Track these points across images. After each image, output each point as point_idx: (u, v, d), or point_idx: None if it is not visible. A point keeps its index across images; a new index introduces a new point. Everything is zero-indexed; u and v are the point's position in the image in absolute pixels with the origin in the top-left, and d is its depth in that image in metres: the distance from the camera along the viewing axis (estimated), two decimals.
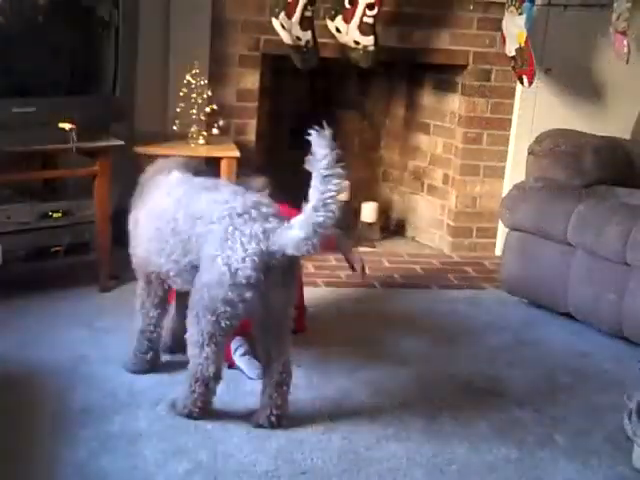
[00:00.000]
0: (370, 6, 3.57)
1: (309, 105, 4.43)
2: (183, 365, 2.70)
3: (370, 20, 3.59)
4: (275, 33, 3.62)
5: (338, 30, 3.69)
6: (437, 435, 2.42)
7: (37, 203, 3.17)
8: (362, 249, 4.06)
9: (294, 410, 2.47)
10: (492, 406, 2.62)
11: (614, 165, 3.45)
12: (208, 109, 3.51)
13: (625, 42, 3.82)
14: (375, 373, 2.75)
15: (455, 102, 4.14)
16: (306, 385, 2.64)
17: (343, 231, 2.74)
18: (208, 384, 2.33)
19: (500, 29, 3.89)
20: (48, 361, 2.67)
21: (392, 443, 2.35)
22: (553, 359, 2.99)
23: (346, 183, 2.34)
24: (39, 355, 2.70)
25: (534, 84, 3.82)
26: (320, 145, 2.13)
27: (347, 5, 3.62)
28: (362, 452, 2.30)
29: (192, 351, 2.33)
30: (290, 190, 2.46)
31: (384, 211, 4.41)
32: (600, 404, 2.68)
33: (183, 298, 2.52)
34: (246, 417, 2.42)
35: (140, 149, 3.39)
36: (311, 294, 3.18)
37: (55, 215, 3.18)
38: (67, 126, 3.00)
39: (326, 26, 3.71)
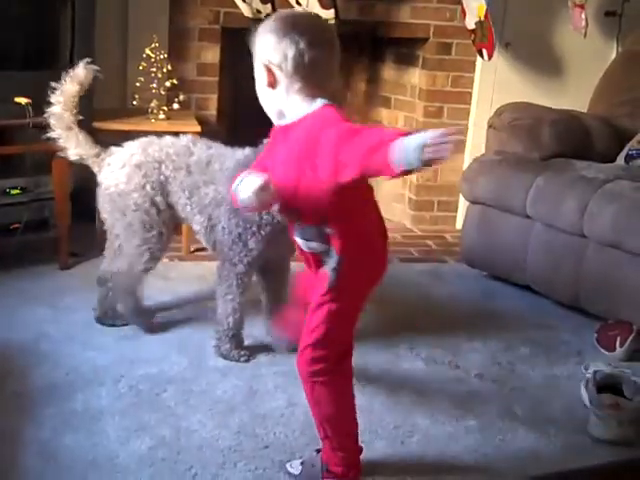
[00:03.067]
0: None
1: None
2: (145, 342, 2.72)
3: None
4: (235, 6, 3.58)
5: (298, 3, 3.67)
6: (398, 407, 2.45)
7: None
8: None
9: (256, 386, 2.49)
10: (452, 378, 2.65)
11: (572, 138, 3.49)
12: (168, 84, 3.47)
13: (583, 16, 3.86)
14: None
15: (416, 76, 4.14)
16: (269, 360, 2.66)
17: None
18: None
19: (460, 2, 3.90)
20: (9, 340, 2.65)
21: None
22: (512, 331, 3.04)
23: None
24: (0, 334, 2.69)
25: (494, 57, 3.84)
26: None
27: None
28: None
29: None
30: None
31: None
32: (558, 374, 2.73)
33: (272, 291, 2.71)
34: (209, 393, 2.43)
35: (99, 124, 3.35)
36: None
37: (13, 192, 3.14)
38: (23, 101, 2.96)
39: None
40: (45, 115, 2.67)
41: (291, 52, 1.83)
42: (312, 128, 1.83)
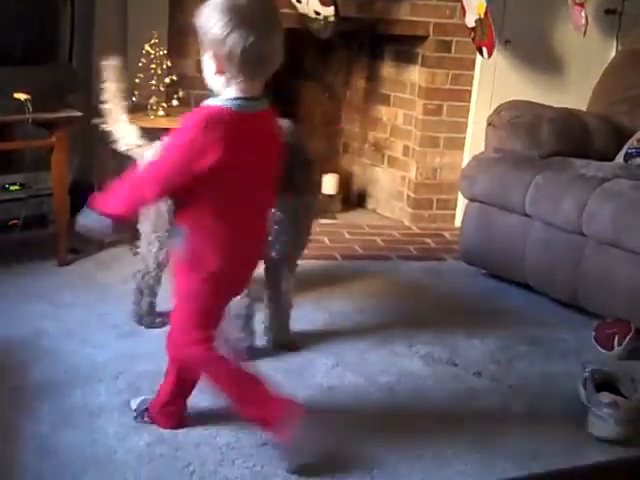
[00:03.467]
0: None
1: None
2: (143, 339, 2.72)
3: None
4: None
5: (298, 0, 3.67)
6: (396, 405, 2.45)
7: None
8: (323, 221, 4.08)
9: None
10: (450, 375, 2.65)
11: (571, 136, 3.49)
12: (168, 80, 3.47)
13: (583, 14, 3.86)
14: (335, 344, 2.78)
15: (415, 73, 4.14)
16: (267, 357, 2.66)
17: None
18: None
19: (460, 0, 3.90)
20: (8, 336, 2.65)
21: (352, 414, 2.38)
22: (510, 328, 3.04)
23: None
24: None
25: (493, 55, 3.84)
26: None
27: None
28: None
29: None
30: None
31: (345, 183, 4.42)
32: (556, 372, 2.73)
33: (275, 290, 2.70)
34: (207, 390, 2.42)
35: (98, 120, 3.34)
36: None
37: (12, 188, 3.13)
38: (22, 96, 2.96)
39: None
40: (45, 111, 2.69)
41: (239, 47, 1.84)
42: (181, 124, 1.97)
